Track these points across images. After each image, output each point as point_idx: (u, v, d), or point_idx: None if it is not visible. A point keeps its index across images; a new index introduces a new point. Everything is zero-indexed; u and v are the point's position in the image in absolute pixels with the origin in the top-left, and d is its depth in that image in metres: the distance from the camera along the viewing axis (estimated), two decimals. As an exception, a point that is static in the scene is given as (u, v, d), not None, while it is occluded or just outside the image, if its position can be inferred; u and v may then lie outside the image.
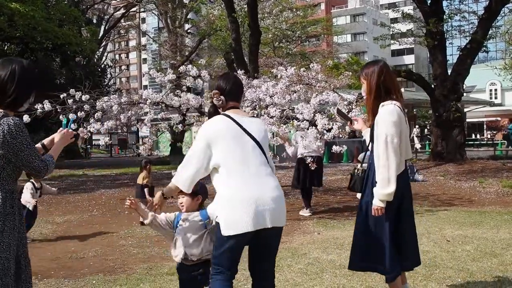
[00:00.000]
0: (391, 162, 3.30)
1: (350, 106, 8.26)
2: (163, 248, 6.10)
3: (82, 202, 10.94)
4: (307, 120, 7.87)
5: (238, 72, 9.29)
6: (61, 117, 8.46)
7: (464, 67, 16.78)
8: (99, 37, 32.92)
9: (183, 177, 3.06)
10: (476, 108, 31.85)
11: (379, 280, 4.43)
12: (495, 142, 27.69)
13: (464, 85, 17.48)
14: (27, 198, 6.57)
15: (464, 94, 19.21)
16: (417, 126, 29.86)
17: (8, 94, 2.62)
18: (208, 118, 3.44)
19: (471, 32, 17.52)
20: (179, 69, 9.16)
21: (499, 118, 39.20)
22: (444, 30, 17.33)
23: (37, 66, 22.96)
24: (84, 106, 8.61)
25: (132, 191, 12.76)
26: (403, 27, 20.69)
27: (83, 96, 8.62)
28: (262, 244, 3.01)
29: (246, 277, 4.62)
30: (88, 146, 38.68)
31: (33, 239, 6.96)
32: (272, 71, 9.50)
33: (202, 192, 3.29)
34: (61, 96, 8.51)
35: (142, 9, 42.76)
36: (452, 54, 32.79)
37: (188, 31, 38.07)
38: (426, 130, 29.45)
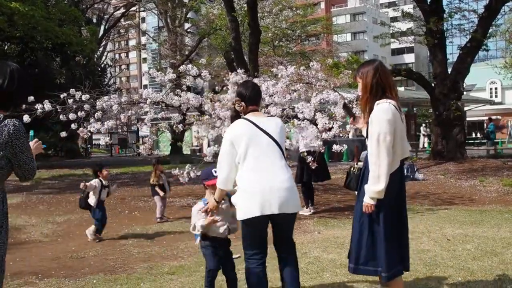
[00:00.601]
0: (382, 160, 3.32)
1: (351, 105, 8.25)
2: (164, 248, 6.10)
3: (83, 201, 10.93)
4: (307, 119, 7.87)
5: (238, 71, 9.27)
6: (61, 116, 8.50)
7: (464, 66, 16.76)
8: (99, 36, 32.92)
9: (221, 179, 3.57)
10: (476, 107, 31.82)
11: (377, 279, 4.42)
12: (495, 141, 27.68)
13: (464, 84, 17.46)
14: (92, 198, 6.83)
15: (464, 92, 19.20)
16: (423, 125, 29.87)
17: (7, 95, 2.72)
18: (231, 122, 3.99)
19: (471, 31, 17.48)
20: (179, 69, 9.15)
21: (499, 117, 39.18)
22: (444, 28, 17.31)
23: (37, 65, 23.06)
24: (84, 106, 8.61)
25: (132, 190, 12.77)
26: (403, 25, 20.70)
27: (83, 95, 8.62)
28: (277, 228, 3.54)
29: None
30: (88, 146, 38.68)
31: (34, 239, 6.97)
32: (272, 70, 9.49)
33: None
34: (61, 96, 8.50)
35: (142, 9, 42.72)
36: (452, 53, 32.83)
37: (188, 30, 38.06)
38: (422, 128, 29.45)
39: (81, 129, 8.68)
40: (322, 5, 69.41)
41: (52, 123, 16.71)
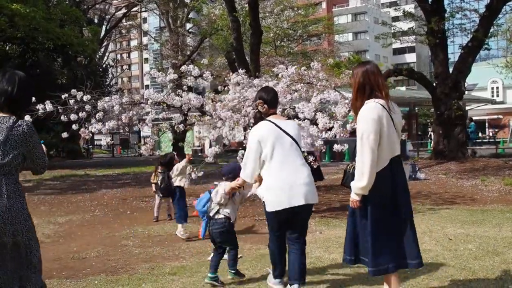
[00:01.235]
0: (366, 157, 3.45)
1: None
2: (165, 248, 6.10)
3: (84, 202, 10.95)
4: (308, 119, 7.87)
5: (239, 71, 9.28)
6: (62, 117, 8.51)
7: (466, 65, 16.73)
8: (101, 37, 32.94)
9: (247, 173, 4.06)
10: (478, 106, 31.78)
11: (380, 279, 4.42)
12: (497, 140, 27.65)
13: (465, 83, 17.44)
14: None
15: (466, 92, 19.17)
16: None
17: (16, 101, 3.10)
18: (255, 123, 4.32)
19: (472, 30, 17.47)
20: (180, 69, 9.16)
21: (501, 116, 39.14)
22: (446, 28, 17.29)
23: (39, 66, 23.07)
24: (86, 106, 8.62)
25: (134, 190, 12.79)
26: (404, 25, 20.68)
27: (84, 96, 8.63)
28: (298, 216, 4.00)
29: (249, 276, 4.62)
30: (90, 146, 38.72)
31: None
32: (273, 70, 9.50)
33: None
34: (63, 96, 8.52)
35: (143, 9, 42.77)
36: (454, 52, 32.79)
37: (190, 30, 38.07)
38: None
39: (82, 129, 8.70)
40: (324, 5, 69.37)
41: (54, 123, 16.74)
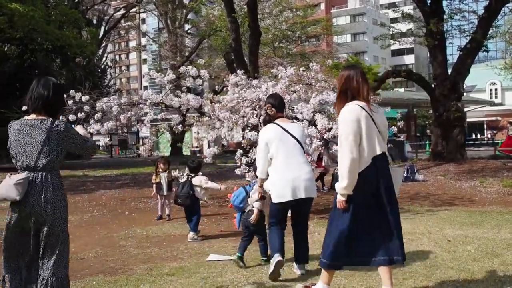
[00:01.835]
0: (345, 158, 3.58)
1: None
2: (163, 249, 6.09)
3: (82, 202, 10.93)
4: (306, 120, 7.86)
5: (238, 72, 9.27)
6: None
7: (464, 67, 16.76)
8: (99, 37, 32.90)
9: (259, 170, 4.67)
10: (476, 108, 31.84)
11: (379, 280, 4.42)
12: (495, 141, 27.68)
13: (464, 85, 17.46)
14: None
15: (464, 93, 19.19)
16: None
17: (52, 105, 3.48)
18: (264, 124, 4.93)
19: (471, 32, 17.49)
20: (179, 70, 9.15)
21: (499, 118, 39.21)
22: (444, 29, 17.31)
23: (37, 67, 23.04)
24: (84, 107, 8.60)
25: (132, 191, 12.76)
26: (403, 27, 20.68)
27: (83, 97, 8.61)
28: (299, 208, 4.61)
29: (247, 277, 4.61)
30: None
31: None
32: (272, 71, 9.49)
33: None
34: (61, 97, 8.50)
35: (142, 10, 42.75)
36: (452, 54, 32.75)
37: (188, 31, 38.06)
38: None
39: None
40: (322, 6, 69.48)
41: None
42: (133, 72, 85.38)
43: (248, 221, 4.98)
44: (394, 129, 10.97)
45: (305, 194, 4.45)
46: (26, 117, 3.48)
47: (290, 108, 8.30)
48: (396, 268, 4.73)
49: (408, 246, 5.66)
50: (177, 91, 9.23)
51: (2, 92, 21.59)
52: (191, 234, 6.66)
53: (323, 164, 11.37)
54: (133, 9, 39.68)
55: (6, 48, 21.66)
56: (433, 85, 17.34)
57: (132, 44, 67.61)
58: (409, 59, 74.56)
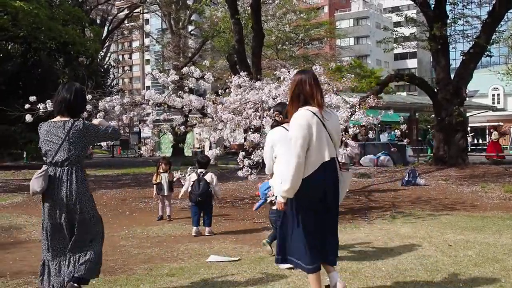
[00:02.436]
0: (291, 162, 3.65)
1: (353, 109, 8.25)
2: (164, 249, 6.09)
3: (83, 202, 10.91)
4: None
5: (240, 73, 9.28)
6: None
7: (467, 72, 16.74)
8: (103, 37, 32.95)
9: (267, 167, 5.02)
10: (479, 113, 31.77)
11: (380, 282, 4.41)
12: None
13: (467, 90, 17.44)
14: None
15: (467, 98, 19.17)
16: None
17: (74, 107, 3.93)
18: (271, 128, 5.29)
19: (474, 37, 17.48)
20: (182, 70, 9.15)
21: (501, 123, 39.12)
22: (448, 34, 17.30)
23: (41, 65, 23.09)
24: (87, 106, 8.61)
25: (133, 191, 12.77)
26: (406, 31, 20.68)
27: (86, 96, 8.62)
28: None
29: (247, 279, 4.60)
30: (90, 146, 38.67)
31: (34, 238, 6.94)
32: (274, 73, 9.49)
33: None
34: (64, 95, 8.50)
35: (145, 10, 42.83)
36: (455, 59, 32.72)
37: (191, 32, 38.14)
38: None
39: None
40: (326, 9, 69.53)
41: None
42: (136, 72, 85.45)
43: (271, 217, 5.53)
44: (397, 132, 10.97)
45: None
46: (53, 119, 3.95)
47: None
48: (397, 272, 4.73)
49: (409, 250, 5.66)
50: (180, 92, 9.23)
51: (5, 91, 21.64)
52: (208, 229, 7.00)
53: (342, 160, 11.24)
54: (137, 10, 39.75)
55: (9, 47, 21.72)
56: (435, 90, 17.32)
57: (135, 44, 67.71)
58: (412, 63, 74.55)
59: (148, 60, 72.03)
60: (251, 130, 8.09)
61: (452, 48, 18.67)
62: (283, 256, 3.92)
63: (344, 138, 8.56)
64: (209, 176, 7.00)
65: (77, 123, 3.86)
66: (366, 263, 5.08)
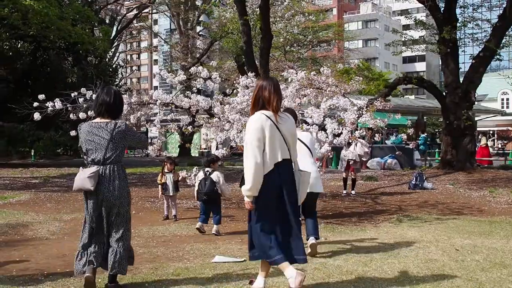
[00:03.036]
0: (247, 163, 3.96)
1: (360, 112, 8.22)
2: (169, 249, 6.09)
3: (90, 200, 10.95)
4: (316, 124, 7.84)
5: (248, 74, 9.27)
6: (71, 115, 8.53)
7: (477, 75, 16.64)
8: (112, 37, 33.07)
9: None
10: (487, 117, 31.61)
11: (386, 286, 4.39)
12: (506, 151, 27.45)
13: (475, 94, 17.33)
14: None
15: (476, 102, 19.05)
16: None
17: (113, 109, 4.30)
18: None
19: (484, 40, 17.37)
20: (189, 71, 9.16)
21: (510, 128, 38.90)
22: (457, 37, 17.20)
23: (50, 64, 23.22)
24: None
25: (139, 191, 12.79)
26: (415, 33, 20.59)
27: (94, 95, 8.64)
28: (308, 201, 5.04)
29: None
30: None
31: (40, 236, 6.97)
32: (282, 74, 9.47)
33: None
34: (72, 95, 8.54)
35: (154, 11, 42.97)
36: (464, 62, 32.52)
37: (200, 33, 38.18)
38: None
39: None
40: (334, 11, 69.47)
41: (62, 121, 16.79)
42: (144, 72, 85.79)
43: None
44: (403, 136, 10.91)
45: (312, 189, 5.23)
46: (93, 120, 4.30)
47: (300, 112, 8.27)
48: (403, 276, 4.70)
49: (415, 254, 5.63)
50: (187, 92, 9.24)
51: (14, 89, 21.79)
52: (216, 227, 7.03)
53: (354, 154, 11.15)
54: (146, 10, 39.89)
55: (19, 45, 21.83)
56: (444, 93, 17.24)
57: (144, 44, 67.94)
58: (420, 66, 74.29)
59: (156, 60, 72.33)
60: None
61: (462, 51, 18.51)
62: (252, 252, 4.18)
63: (351, 140, 8.56)
64: (215, 175, 7.03)
65: (120, 124, 4.24)
66: (372, 266, 5.06)
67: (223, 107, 8.68)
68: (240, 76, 9.77)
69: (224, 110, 8.60)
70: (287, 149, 4.09)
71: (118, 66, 35.74)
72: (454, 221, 8.06)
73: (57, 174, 18.05)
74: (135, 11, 38.62)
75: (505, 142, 36.10)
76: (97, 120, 4.28)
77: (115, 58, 39.26)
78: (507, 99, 42.07)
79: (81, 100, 8.59)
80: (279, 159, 4.02)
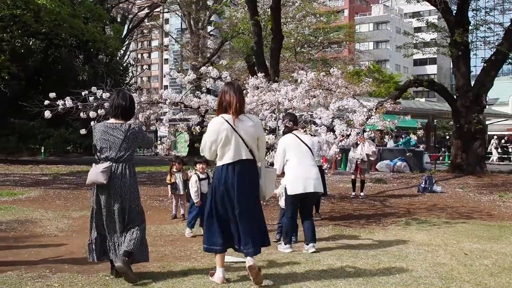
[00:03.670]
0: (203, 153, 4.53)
1: (370, 113, 8.18)
2: (177, 248, 6.10)
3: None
4: (325, 125, 7.81)
5: (258, 75, 9.26)
6: (81, 114, 8.56)
7: (488, 79, 16.52)
8: (123, 36, 33.24)
9: (277, 166, 5.87)
10: (498, 121, 31.35)
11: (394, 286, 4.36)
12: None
13: (487, 97, 17.21)
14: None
15: (487, 106, 18.91)
16: (495, 137, 29.47)
17: (127, 112, 4.71)
18: (283, 134, 6.19)
19: (496, 44, 17.23)
20: (200, 70, 9.17)
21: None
22: (469, 40, 17.08)
23: (61, 62, 23.37)
24: (105, 104, 8.65)
25: (148, 189, 12.83)
26: (426, 36, 20.49)
27: (104, 94, 8.67)
28: (306, 201, 5.95)
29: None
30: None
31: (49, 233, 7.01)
32: (292, 75, 9.46)
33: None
34: (83, 93, 8.58)
35: (166, 10, 43.11)
36: (476, 66, 32.30)
37: (211, 33, 38.27)
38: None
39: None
40: (346, 12, 69.17)
41: (72, 119, 16.87)
42: (154, 71, 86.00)
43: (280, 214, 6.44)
44: (414, 137, 10.83)
45: (313, 189, 5.77)
46: (108, 121, 4.66)
47: (309, 113, 8.25)
48: (411, 279, 4.67)
49: (424, 257, 5.59)
50: (197, 92, 9.24)
51: (26, 86, 21.95)
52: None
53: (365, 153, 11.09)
54: (157, 9, 40.05)
55: (31, 43, 21.99)
56: (455, 96, 17.12)
57: (155, 43, 68.13)
58: (431, 69, 73.80)
59: (166, 60, 72.47)
60: (267, 131, 8.06)
61: (473, 54, 18.43)
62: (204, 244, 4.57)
63: (358, 141, 8.55)
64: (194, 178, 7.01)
65: (134, 126, 4.64)
66: (380, 269, 5.03)
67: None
68: (250, 77, 9.77)
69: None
70: (248, 149, 4.39)
71: (129, 65, 35.91)
72: (463, 225, 8.00)
73: (67, 172, 18.16)
74: (146, 10, 38.82)
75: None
76: (112, 121, 4.63)
77: (126, 57, 39.46)
78: (519, 103, 41.62)
79: (91, 98, 8.62)
80: (236, 159, 4.36)
